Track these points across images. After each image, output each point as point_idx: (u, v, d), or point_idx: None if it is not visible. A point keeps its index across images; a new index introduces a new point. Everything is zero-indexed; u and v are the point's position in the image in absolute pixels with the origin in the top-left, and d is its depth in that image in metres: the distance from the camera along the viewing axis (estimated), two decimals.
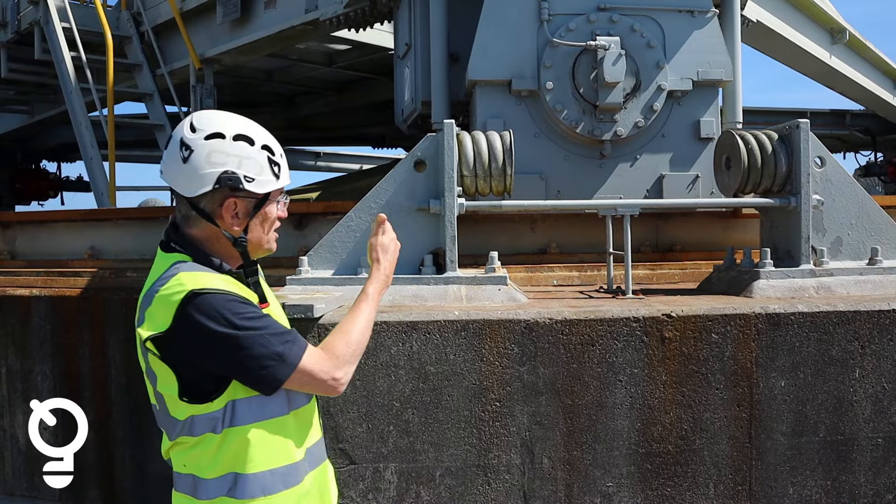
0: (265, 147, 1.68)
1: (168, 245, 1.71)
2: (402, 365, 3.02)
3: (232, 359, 1.58)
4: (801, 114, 10.87)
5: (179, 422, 1.64)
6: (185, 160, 1.63)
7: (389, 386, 3.02)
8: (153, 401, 1.71)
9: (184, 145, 1.64)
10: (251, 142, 1.67)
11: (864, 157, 12.87)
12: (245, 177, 1.65)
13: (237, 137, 1.66)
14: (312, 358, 1.64)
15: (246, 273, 1.72)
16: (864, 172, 12.78)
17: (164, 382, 1.63)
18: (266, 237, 1.74)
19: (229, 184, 1.63)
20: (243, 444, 1.62)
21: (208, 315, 1.55)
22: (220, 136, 1.64)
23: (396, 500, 3.02)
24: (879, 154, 12.59)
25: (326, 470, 1.84)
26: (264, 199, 1.70)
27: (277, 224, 1.76)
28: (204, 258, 1.67)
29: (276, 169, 1.69)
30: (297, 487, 1.69)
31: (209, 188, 1.64)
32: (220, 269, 1.68)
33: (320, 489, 1.79)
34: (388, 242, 1.93)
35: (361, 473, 3.01)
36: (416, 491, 3.03)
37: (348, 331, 1.72)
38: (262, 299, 1.73)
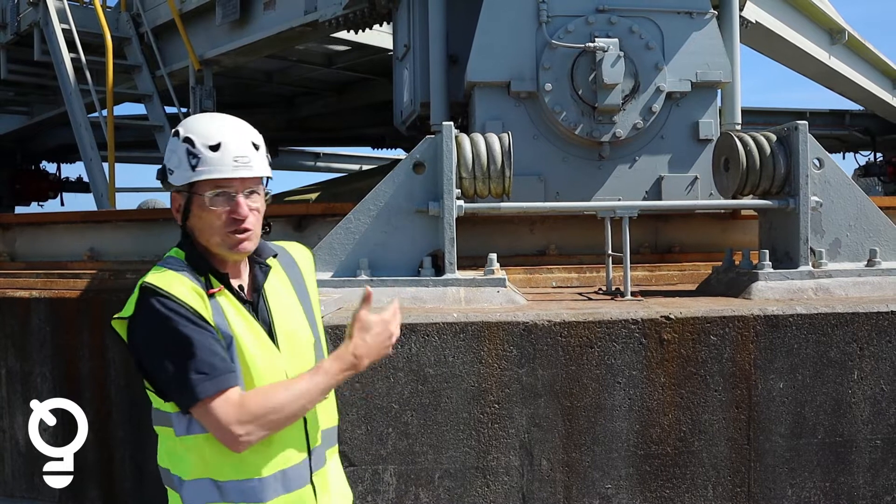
0: (186, 139, 1.63)
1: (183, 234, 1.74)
2: (400, 367, 3.02)
3: (154, 364, 1.59)
4: (801, 114, 10.87)
5: (152, 409, 1.69)
6: None
7: (388, 388, 3.02)
8: None
9: None
10: (177, 134, 1.66)
11: (864, 157, 12.85)
12: (168, 169, 1.67)
13: (175, 133, 1.67)
14: (220, 402, 1.55)
15: (212, 274, 1.67)
16: (863, 173, 12.78)
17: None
18: (214, 237, 1.65)
19: (160, 177, 1.68)
20: (191, 452, 1.63)
21: (148, 316, 1.57)
22: (176, 132, 1.68)
23: (395, 502, 3.03)
24: (879, 154, 12.58)
25: (309, 495, 1.71)
26: (190, 193, 1.65)
27: (228, 224, 1.63)
28: (196, 255, 1.67)
29: (192, 161, 1.62)
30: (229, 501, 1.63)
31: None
32: (203, 270, 1.66)
33: None
34: (375, 322, 1.69)
35: (360, 475, 3.01)
36: (415, 493, 3.04)
37: (274, 393, 1.59)
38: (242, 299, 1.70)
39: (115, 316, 1.64)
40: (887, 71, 9.64)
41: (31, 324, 4.72)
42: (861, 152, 12.78)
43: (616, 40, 4.18)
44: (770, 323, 3.15)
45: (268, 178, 1.73)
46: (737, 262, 3.77)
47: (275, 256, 1.79)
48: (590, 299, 3.62)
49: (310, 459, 1.71)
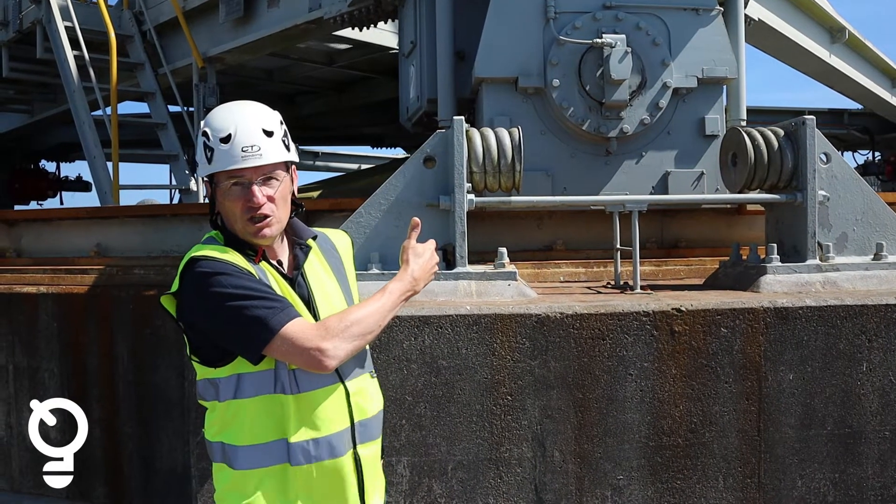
0: (203, 133, 1.72)
1: (211, 220, 1.82)
2: (414, 359, 3.04)
3: (218, 321, 1.64)
4: (800, 112, 10.91)
5: (197, 382, 1.76)
6: None
7: (402, 380, 3.04)
8: None
9: None
10: (201, 128, 1.75)
11: (863, 156, 12.91)
12: (196, 161, 1.79)
13: (201, 126, 1.76)
14: (298, 326, 1.62)
15: (248, 254, 1.74)
16: (862, 171, 12.82)
17: (187, 343, 1.76)
18: (237, 224, 1.72)
19: (191, 170, 1.79)
20: (238, 417, 1.69)
21: (201, 278, 1.64)
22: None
23: (409, 494, 3.04)
24: (877, 153, 12.64)
25: (347, 463, 1.75)
26: (212, 183, 1.74)
27: (245, 212, 1.69)
28: (231, 236, 1.75)
29: (208, 154, 1.70)
30: (287, 468, 1.68)
31: None
32: (240, 249, 1.73)
33: (333, 481, 1.73)
34: (424, 249, 1.86)
35: None
36: (428, 484, 3.05)
37: (348, 311, 1.70)
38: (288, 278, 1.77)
39: (165, 292, 1.72)
40: (887, 70, 9.69)
41: (38, 320, 4.73)
42: (859, 151, 12.83)
43: (623, 36, 4.20)
44: (780, 315, 3.17)
45: (291, 162, 1.77)
46: (744, 257, 3.80)
47: (314, 238, 1.85)
48: (599, 293, 3.64)
49: (353, 431, 1.76)
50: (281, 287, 1.73)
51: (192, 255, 1.69)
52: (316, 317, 1.75)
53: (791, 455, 3.18)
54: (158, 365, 4.47)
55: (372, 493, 1.81)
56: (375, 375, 1.89)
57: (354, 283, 1.92)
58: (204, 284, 1.64)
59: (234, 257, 1.70)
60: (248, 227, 1.70)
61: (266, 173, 1.70)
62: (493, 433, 3.06)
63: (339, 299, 1.83)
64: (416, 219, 1.88)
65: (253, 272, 1.69)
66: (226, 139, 1.67)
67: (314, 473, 1.70)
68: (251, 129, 1.69)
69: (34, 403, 4.05)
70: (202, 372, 1.73)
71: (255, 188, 1.68)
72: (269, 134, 1.71)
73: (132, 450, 4.59)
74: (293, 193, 1.80)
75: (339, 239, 1.96)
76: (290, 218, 1.80)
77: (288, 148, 1.75)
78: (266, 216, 1.70)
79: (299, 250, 1.81)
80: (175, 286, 1.71)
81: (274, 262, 1.77)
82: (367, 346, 1.85)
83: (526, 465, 3.07)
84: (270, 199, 1.70)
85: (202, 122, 1.75)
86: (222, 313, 1.63)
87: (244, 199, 1.69)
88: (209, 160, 1.70)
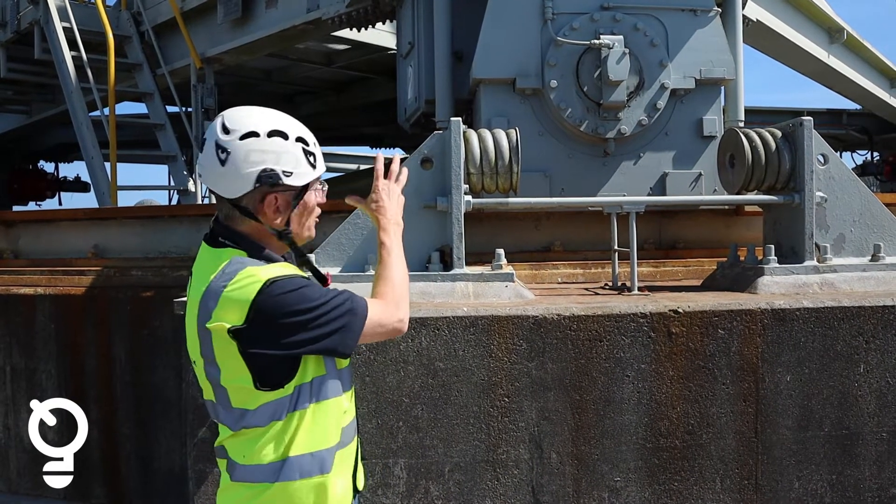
0: (299, 139, 1.70)
1: (217, 241, 1.74)
2: (411, 361, 3.04)
3: (314, 330, 1.64)
4: (798, 113, 10.92)
5: (248, 412, 1.67)
6: (222, 163, 1.66)
7: (399, 382, 3.03)
8: (209, 396, 1.74)
9: (220, 148, 1.67)
10: (285, 136, 1.68)
11: (861, 156, 12.95)
12: (284, 171, 1.67)
13: (271, 133, 1.67)
14: (376, 307, 1.74)
15: (297, 260, 1.82)
16: (860, 172, 12.83)
17: (231, 375, 1.66)
18: (307, 225, 1.78)
19: (269, 181, 1.66)
20: (298, 427, 1.67)
21: (287, 297, 1.62)
22: (255, 134, 1.66)
23: (406, 496, 3.04)
24: (876, 153, 12.66)
25: (356, 445, 1.86)
26: (303, 190, 1.73)
27: (318, 211, 1.79)
28: (258, 251, 1.72)
29: (311, 159, 1.72)
30: (329, 471, 1.72)
31: (250, 188, 1.67)
32: (273, 260, 1.74)
33: (347, 465, 1.80)
34: (392, 187, 1.92)
35: (371, 469, 3.02)
36: (425, 486, 3.05)
37: (388, 277, 1.80)
38: (320, 278, 1.84)
39: (228, 326, 1.62)
40: (885, 70, 9.70)
41: (35, 321, 4.73)
42: (858, 151, 12.87)
43: (621, 37, 4.20)
44: (777, 317, 3.17)
45: None
46: (741, 258, 3.80)
47: None
48: (597, 294, 3.64)
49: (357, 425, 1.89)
50: None
51: (267, 278, 1.62)
52: None
53: (788, 456, 3.17)
54: (156, 366, 4.48)
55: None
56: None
57: None
58: (293, 301, 1.62)
59: (294, 269, 1.73)
60: (311, 224, 1.79)
61: None
62: (490, 435, 3.06)
63: None
64: (398, 155, 1.97)
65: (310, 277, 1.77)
66: (315, 144, 1.76)
67: (341, 460, 1.77)
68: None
69: (34, 403, 4.05)
70: (261, 398, 1.66)
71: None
72: None
73: (130, 450, 4.59)
74: None
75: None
76: None
77: None
78: None
79: (300, 257, 1.87)
80: (241, 318, 1.60)
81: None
82: None
83: (523, 466, 3.07)
84: None
85: (283, 130, 1.68)
86: (320, 319, 1.64)
87: (324, 196, 1.79)
88: (314, 165, 1.73)
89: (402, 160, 2.00)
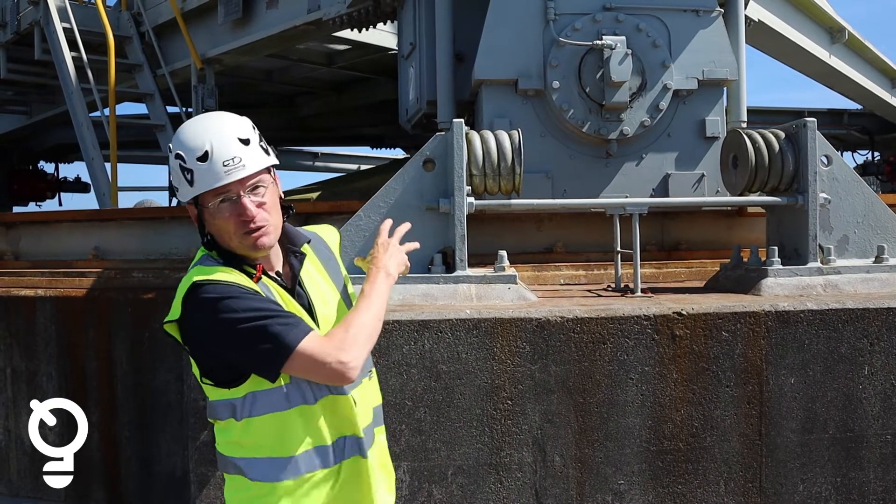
0: (178, 156, 1.66)
1: (204, 242, 1.77)
2: (413, 364, 3.02)
3: (233, 345, 1.62)
4: (799, 113, 10.91)
5: (209, 403, 1.75)
6: None
7: (401, 385, 3.02)
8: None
9: None
10: (171, 150, 1.69)
11: (862, 156, 12.92)
12: (175, 187, 1.72)
13: (169, 148, 1.71)
14: (314, 342, 1.62)
15: (248, 265, 1.73)
16: (861, 172, 12.81)
17: (194, 366, 1.74)
18: (233, 241, 1.68)
19: (171, 195, 1.76)
20: (256, 433, 1.69)
21: (209, 302, 1.60)
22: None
23: (409, 499, 3.03)
24: (877, 153, 12.64)
25: (364, 464, 1.79)
26: (198, 205, 1.68)
27: (240, 227, 1.66)
28: (226, 254, 1.72)
29: (188, 176, 1.64)
30: (304, 477, 1.71)
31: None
32: (238, 266, 1.70)
33: (347, 482, 1.76)
34: (394, 241, 1.92)
35: None
36: (428, 490, 3.04)
37: (348, 320, 1.69)
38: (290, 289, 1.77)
39: (166, 320, 1.68)
40: (887, 70, 9.68)
41: (36, 323, 4.71)
42: (859, 151, 12.84)
43: (623, 38, 4.18)
44: (781, 319, 3.16)
45: (273, 166, 1.75)
46: (744, 259, 3.78)
47: (308, 242, 1.84)
48: (600, 296, 3.62)
49: (363, 435, 1.78)
50: (285, 301, 1.72)
51: (194, 279, 1.64)
52: (317, 323, 1.75)
53: (793, 459, 3.16)
54: (157, 368, 4.46)
55: (381, 493, 1.84)
56: (373, 373, 1.90)
57: (347, 279, 1.94)
58: (213, 310, 1.60)
59: (238, 277, 1.67)
60: (244, 240, 1.67)
61: (252, 183, 1.66)
62: (493, 438, 3.05)
63: (335, 301, 1.84)
64: (409, 224, 1.96)
65: (258, 290, 1.67)
66: (203, 157, 1.62)
67: (335, 478, 1.75)
68: (227, 141, 1.64)
69: (34, 403, 4.04)
70: (215, 393, 1.72)
71: (245, 200, 1.65)
72: (245, 142, 1.66)
73: (130, 453, 4.57)
74: (280, 197, 1.76)
75: (330, 235, 1.98)
76: (283, 222, 1.78)
77: (267, 152, 1.72)
78: (261, 226, 1.67)
79: (294, 259, 1.80)
80: (177, 313, 1.66)
81: (273, 275, 1.76)
82: None
83: (526, 469, 3.06)
84: (261, 207, 1.67)
85: (170, 145, 1.69)
86: (236, 337, 1.60)
87: (236, 214, 1.65)
88: (190, 182, 1.64)
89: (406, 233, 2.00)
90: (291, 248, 1.80)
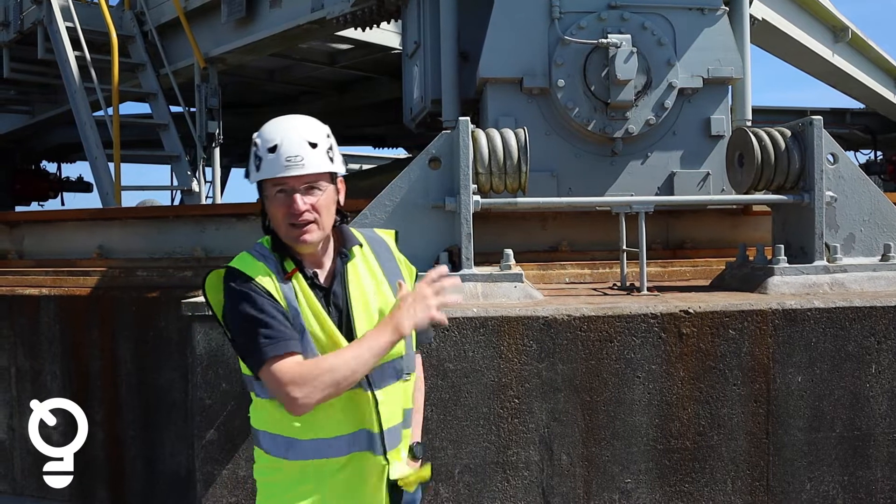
0: (253, 143, 1.81)
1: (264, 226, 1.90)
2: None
3: (232, 332, 1.80)
4: (802, 112, 10.90)
5: (243, 376, 1.87)
6: None
7: None
8: None
9: None
10: (254, 137, 1.82)
11: (864, 155, 12.93)
12: (248, 171, 1.85)
13: (255, 136, 1.83)
14: (283, 366, 1.70)
15: (296, 264, 1.82)
16: (864, 171, 12.81)
17: None
18: (280, 230, 1.80)
19: (246, 175, 1.86)
20: (273, 411, 1.80)
21: (229, 291, 1.78)
22: None
23: None
24: (879, 153, 12.64)
25: (376, 461, 1.82)
26: (261, 191, 1.82)
27: (288, 218, 1.76)
28: (277, 241, 1.83)
29: (257, 162, 1.79)
30: (312, 462, 1.79)
31: None
32: (283, 254, 1.82)
33: (355, 476, 1.81)
34: (414, 288, 1.84)
35: None
36: (435, 488, 3.03)
37: (325, 357, 1.73)
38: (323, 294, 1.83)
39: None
40: (890, 69, 9.68)
41: (40, 322, 4.71)
42: (861, 151, 12.84)
43: (628, 36, 4.18)
44: (788, 317, 3.15)
45: (333, 173, 1.82)
46: (750, 258, 3.78)
47: (361, 246, 1.91)
48: (606, 294, 3.62)
49: (382, 433, 1.82)
50: (309, 303, 1.80)
51: (231, 265, 1.80)
52: (351, 327, 1.81)
53: (800, 458, 3.16)
54: (161, 367, 4.46)
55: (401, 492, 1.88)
56: (410, 377, 1.93)
57: (411, 276, 1.99)
58: (230, 299, 1.78)
59: (262, 271, 1.78)
60: (290, 232, 1.78)
61: (309, 182, 1.77)
62: (500, 436, 3.04)
63: (382, 302, 1.87)
64: (459, 281, 1.93)
65: (276, 290, 1.77)
66: (272, 149, 1.76)
67: (342, 469, 1.80)
68: (296, 140, 1.77)
69: (34, 403, 4.04)
70: (243, 367, 1.83)
71: (297, 196, 1.76)
72: (313, 145, 1.78)
73: (135, 452, 4.57)
74: (338, 203, 1.86)
75: (389, 237, 2.04)
76: (337, 226, 1.87)
77: (332, 160, 1.81)
78: (308, 222, 1.77)
79: (339, 259, 1.87)
80: (220, 292, 1.83)
81: (310, 274, 1.82)
82: (414, 347, 1.96)
83: (533, 468, 3.05)
84: (313, 206, 1.77)
85: (258, 132, 1.82)
86: (236, 331, 1.78)
87: (287, 205, 1.76)
88: (257, 168, 1.79)
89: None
90: (341, 250, 1.88)
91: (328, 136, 1.81)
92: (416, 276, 1.98)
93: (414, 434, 2.00)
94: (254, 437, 1.90)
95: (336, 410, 1.79)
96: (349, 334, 1.80)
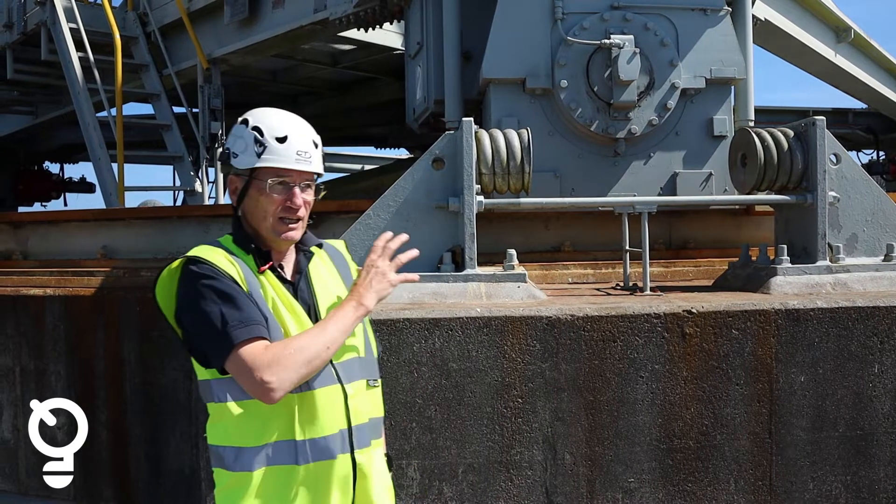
0: (256, 128, 1.75)
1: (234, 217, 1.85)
2: (424, 362, 3.03)
3: (191, 324, 1.69)
4: (804, 112, 10.91)
5: (197, 382, 1.77)
6: None
7: (412, 383, 3.03)
8: None
9: None
10: (246, 123, 1.78)
11: (867, 155, 12.92)
12: (232, 152, 1.77)
13: (243, 121, 1.79)
14: (252, 351, 1.61)
15: (256, 253, 1.75)
16: (866, 171, 12.80)
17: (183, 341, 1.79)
18: (265, 222, 1.75)
19: (223, 158, 1.80)
20: (233, 419, 1.69)
21: (188, 280, 1.69)
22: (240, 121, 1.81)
23: (419, 497, 3.03)
24: (881, 153, 12.63)
25: (345, 469, 1.73)
26: (251, 177, 1.75)
27: (282, 211, 1.74)
28: (242, 237, 1.78)
29: (258, 148, 1.73)
30: (283, 469, 1.68)
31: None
32: (247, 249, 1.75)
33: (317, 486, 1.71)
34: (366, 263, 1.80)
35: None
36: (438, 487, 3.04)
37: (293, 337, 1.68)
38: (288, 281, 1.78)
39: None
40: (892, 69, 9.67)
41: (45, 322, 4.72)
42: (864, 151, 12.83)
43: (631, 37, 4.19)
44: (791, 317, 3.16)
45: (318, 175, 1.83)
46: (753, 258, 3.78)
47: (320, 247, 1.89)
48: (609, 294, 3.63)
49: (350, 435, 1.74)
50: (280, 295, 1.74)
51: (190, 254, 1.72)
52: (318, 317, 1.77)
53: (803, 457, 3.16)
54: (166, 367, 4.46)
55: (372, 500, 1.79)
56: (377, 384, 1.87)
57: None
58: (192, 287, 1.68)
59: (224, 258, 1.71)
60: (278, 226, 1.74)
61: (308, 180, 1.78)
62: (503, 436, 3.05)
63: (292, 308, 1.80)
64: (405, 236, 1.87)
65: (239, 276, 1.69)
66: (282, 139, 1.73)
67: (310, 475, 1.70)
68: (305, 136, 1.77)
69: (34, 403, 4.05)
70: (201, 372, 1.74)
71: (297, 190, 1.75)
72: (316, 145, 1.80)
73: (139, 452, 4.58)
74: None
75: (342, 247, 2.01)
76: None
77: (322, 164, 1.83)
78: (299, 219, 1.76)
79: (302, 256, 1.85)
80: (172, 292, 1.74)
81: (277, 266, 1.79)
82: (375, 354, 1.89)
83: (536, 467, 3.06)
84: (305, 204, 1.77)
85: (248, 118, 1.77)
86: (197, 317, 1.67)
87: (285, 198, 1.74)
88: (259, 154, 1.73)
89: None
90: (301, 248, 1.85)
91: (319, 138, 1.84)
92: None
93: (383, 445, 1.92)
94: (213, 457, 1.75)
95: (300, 411, 1.69)
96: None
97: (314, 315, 1.78)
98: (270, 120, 1.77)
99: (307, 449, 1.69)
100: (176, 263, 1.73)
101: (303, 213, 1.76)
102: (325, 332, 1.68)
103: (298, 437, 1.68)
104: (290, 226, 1.76)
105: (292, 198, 1.74)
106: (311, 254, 1.86)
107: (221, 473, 1.73)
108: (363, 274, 1.78)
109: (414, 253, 1.89)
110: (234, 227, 1.82)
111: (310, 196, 1.79)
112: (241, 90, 9.75)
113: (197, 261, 1.69)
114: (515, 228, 4.36)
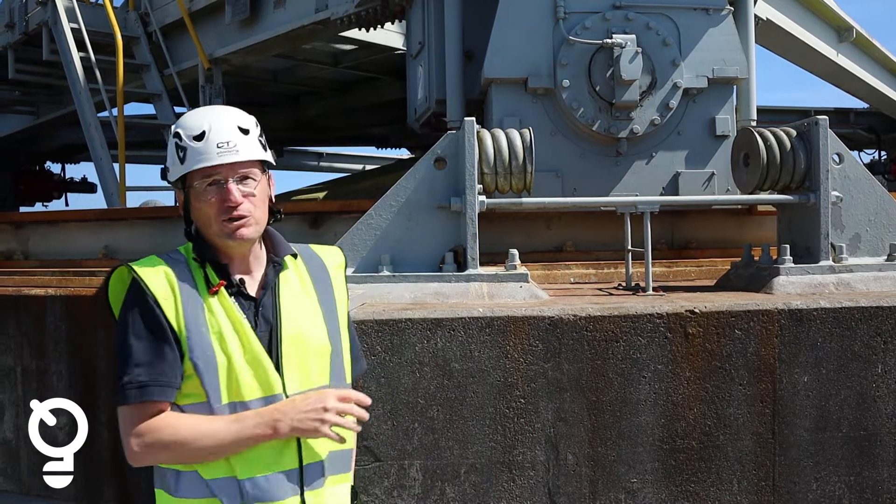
0: (175, 134, 1.64)
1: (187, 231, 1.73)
2: (426, 362, 3.02)
3: (117, 353, 1.58)
4: (805, 112, 10.89)
5: None
6: None
7: (414, 383, 3.02)
8: None
9: None
10: (170, 132, 1.67)
11: (868, 155, 12.89)
12: (166, 167, 1.67)
13: (170, 130, 1.69)
14: (132, 413, 1.55)
15: (214, 267, 1.64)
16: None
17: None
18: (211, 228, 1.61)
19: (162, 177, 1.74)
20: None
21: (125, 302, 1.60)
22: None
23: (421, 498, 3.03)
24: (883, 152, 12.62)
25: None
26: (186, 186, 1.63)
27: (222, 213, 1.59)
28: (201, 248, 1.65)
29: (180, 154, 1.61)
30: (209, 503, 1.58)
31: None
32: (209, 259, 1.64)
33: None
34: (312, 392, 1.61)
35: (386, 471, 3.01)
36: (440, 488, 3.03)
37: (183, 425, 1.55)
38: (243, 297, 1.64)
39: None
40: (894, 69, 9.65)
41: (46, 322, 4.71)
42: (866, 151, 12.81)
43: (633, 36, 4.19)
44: (794, 317, 3.15)
45: (266, 162, 1.68)
46: (756, 258, 3.78)
47: (294, 256, 1.74)
48: (611, 294, 3.62)
49: (301, 474, 1.61)
50: (232, 321, 1.60)
51: (134, 265, 1.61)
52: (279, 341, 1.62)
53: (806, 458, 3.15)
54: None
55: None
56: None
57: (344, 304, 1.77)
58: (124, 309, 1.59)
59: (162, 281, 1.58)
60: (224, 227, 1.60)
61: (243, 172, 1.62)
62: (506, 436, 3.04)
63: (317, 325, 1.69)
64: (361, 398, 1.66)
65: (171, 308, 1.56)
66: (199, 137, 1.60)
67: None
68: (226, 125, 1.62)
69: (34, 403, 4.04)
70: None
71: (232, 186, 1.59)
72: (244, 132, 1.63)
73: None
74: (270, 199, 1.70)
75: (331, 256, 1.82)
76: (269, 225, 1.71)
77: (265, 148, 1.68)
78: (243, 216, 1.60)
79: (272, 268, 1.69)
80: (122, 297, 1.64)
81: (236, 282, 1.64)
82: (348, 379, 1.74)
83: (539, 468, 3.06)
84: (247, 198, 1.61)
85: (172, 127, 1.67)
86: (117, 347, 1.57)
87: (220, 197, 1.59)
88: (181, 160, 1.61)
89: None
90: (273, 258, 1.70)
91: (257, 125, 1.67)
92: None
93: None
94: (156, 475, 1.64)
95: (262, 446, 1.57)
96: (277, 350, 1.61)
97: (276, 336, 1.62)
98: (188, 121, 1.64)
99: (247, 489, 1.57)
100: (126, 275, 1.62)
101: (245, 208, 1.60)
102: (212, 434, 1.54)
103: (239, 475, 1.57)
104: (236, 224, 1.60)
105: (227, 195, 1.58)
106: (280, 266, 1.69)
107: (163, 497, 1.62)
108: (305, 399, 1.58)
109: (356, 428, 1.69)
110: (193, 239, 1.68)
111: (250, 188, 1.62)
112: (242, 90, 9.75)
113: (135, 283, 1.58)
114: (517, 228, 4.36)
